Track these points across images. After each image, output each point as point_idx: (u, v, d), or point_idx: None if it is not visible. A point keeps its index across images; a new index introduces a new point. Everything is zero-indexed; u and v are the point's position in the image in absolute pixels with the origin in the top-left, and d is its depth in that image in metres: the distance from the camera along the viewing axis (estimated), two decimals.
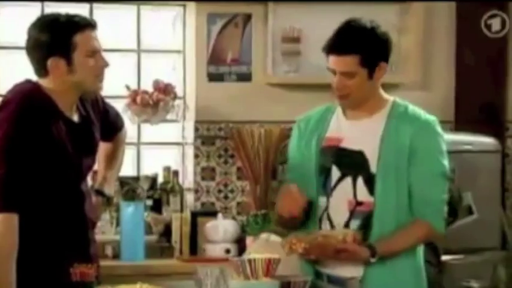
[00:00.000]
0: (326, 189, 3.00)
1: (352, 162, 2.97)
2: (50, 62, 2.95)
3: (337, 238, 2.85)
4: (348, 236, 2.86)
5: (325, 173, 3.01)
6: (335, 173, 2.99)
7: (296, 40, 4.80)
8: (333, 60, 2.96)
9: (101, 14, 4.73)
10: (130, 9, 4.84)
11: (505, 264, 4.62)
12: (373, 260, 2.88)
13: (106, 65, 3.05)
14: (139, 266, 4.16)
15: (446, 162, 2.98)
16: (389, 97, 3.04)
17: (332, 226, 2.99)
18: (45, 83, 3.01)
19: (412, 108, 3.02)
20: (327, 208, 3.00)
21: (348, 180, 2.97)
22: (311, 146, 3.05)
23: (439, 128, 3.00)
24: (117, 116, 3.41)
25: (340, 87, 2.95)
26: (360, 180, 2.95)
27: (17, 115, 2.90)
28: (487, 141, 4.68)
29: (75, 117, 3.08)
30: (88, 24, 3.00)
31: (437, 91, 5.03)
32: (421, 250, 3.03)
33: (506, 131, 5.07)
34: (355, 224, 2.95)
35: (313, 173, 3.03)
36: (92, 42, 2.99)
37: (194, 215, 4.48)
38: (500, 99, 5.07)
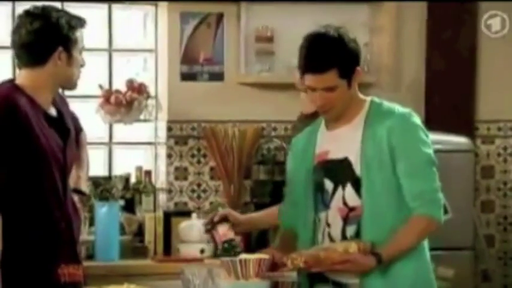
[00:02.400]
0: (325, 204, 3.00)
1: (339, 171, 2.97)
2: (58, 53, 3.03)
3: (339, 251, 2.83)
4: (350, 248, 2.83)
5: (321, 189, 3.01)
6: (329, 186, 2.99)
7: (269, 40, 4.80)
8: (311, 79, 2.93)
9: (73, 13, 4.68)
10: (102, 8, 4.81)
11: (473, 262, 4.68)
12: (379, 266, 2.85)
13: (84, 63, 3.18)
14: (114, 267, 4.14)
15: (429, 150, 2.94)
16: (365, 98, 3.04)
17: (331, 239, 2.98)
18: (28, 77, 3.03)
19: (387, 105, 3.01)
20: (327, 221, 2.99)
21: (339, 189, 2.97)
22: (303, 167, 3.06)
23: (415, 119, 2.97)
24: (77, 119, 3.40)
25: (323, 102, 2.94)
26: (349, 186, 2.96)
27: None
28: (459, 140, 4.72)
29: (53, 112, 3.10)
30: (84, 23, 3.15)
31: (408, 91, 5.06)
32: (424, 248, 2.99)
33: (475, 130, 5.13)
34: (351, 230, 2.93)
35: (310, 192, 3.03)
36: (83, 40, 3.14)
37: (167, 215, 4.47)
38: (470, 99, 5.12)
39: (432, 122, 4.90)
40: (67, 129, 3.13)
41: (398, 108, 3.00)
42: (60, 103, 3.19)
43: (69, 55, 3.05)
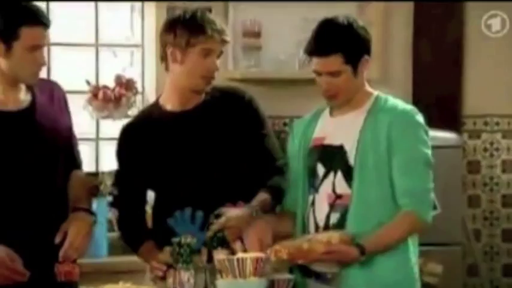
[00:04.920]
0: (315, 187, 3.01)
1: (333, 157, 2.97)
2: None
3: (322, 241, 2.84)
4: (333, 238, 2.84)
5: (312, 172, 3.02)
6: (320, 170, 3.00)
7: (257, 35, 4.79)
8: (316, 63, 2.96)
9: (58, 8, 4.67)
10: (88, 3, 4.78)
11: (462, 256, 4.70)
12: (363, 258, 2.86)
13: (44, 63, 3.00)
14: (103, 264, 4.12)
15: (427, 150, 2.96)
16: (373, 91, 3.05)
17: (316, 223, 2.98)
18: None
19: (392, 100, 3.03)
20: (312, 205, 3.00)
21: (331, 175, 2.98)
22: (298, 149, 3.07)
23: (418, 117, 2.99)
24: (78, 153, 3.24)
25: (328, 87, 2.95)
26: (340, 174, 2.96)
27: None
28: (448, 136, 4.73)
29: (13, 106, 3.00)
30: (39, 22, 2.95)
31: (395, 86, 5.05)
32: (407, 243, 2.98)
33: (462, 125, 5.14)
34: (335, 217, 2.94)
35: (301, 175, 3.04)
36: (35, 39, 2.94)
37: None
38: (456, 94, 5.13)
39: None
40: (34, 122, 3.01)
41: (402, 104, 3.01)
42: (41, 92, 3.07)
43: (7, 47, 2.92)
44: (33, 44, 2.93)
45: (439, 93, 5.07)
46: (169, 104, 3.17)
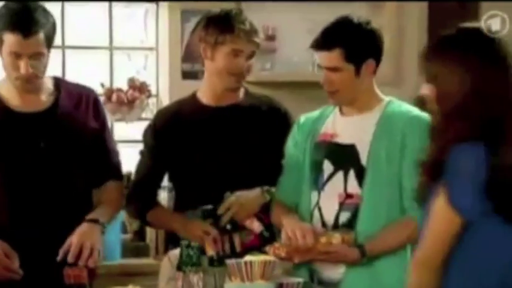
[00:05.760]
0: (318, 184, 2.99)
1: (344, 156, 2.96)
2: None
3: (321, 241, 2.83)
4: (333, 238, 2.83)
5: (317, 168, 3.00)
6: (327, 167, 2.98)
7: (271, 38, 4.79)
8: (318, 56, 2.98)
9: (73, 11, 4.69)
10: (102, 6, 4.80)
11: None
12: (364, 259, 2.86)
13: (23, 73, 2.94)
14: (116, 266, 4.13)
15: None
16: (385, 97, 3.04)
17: (323, 221, 2.97)
18: None
19: (407, 105, 3.02)
20: (317, 203, 2.98)
21: (340, 174, 2.96)
22: (305, 142, 3.05)
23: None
24: (114, 162, 3.22)
25: (326, 82, 2.96)
26: (352, 173, 2.94)
27: None
28: None
29: (33, 108, 3.01)
30: (17, 30, 2.90)
31: (408, 88, 5.04)
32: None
33: None
34: (344, 216, 2.93)
35: (307, 168, 3.02)
36: (12, 46, 2.91)
37: None
38: None
39: None
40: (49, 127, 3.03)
41: (417, 111, 2.99)
42: (68, 96, 3.08)
43: (0, 51, 2.93)
44: (11, 50, 2.91)
45: None
46: (205, 98, 3.25)
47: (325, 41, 2.94)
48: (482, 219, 2.17)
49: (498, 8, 4.99)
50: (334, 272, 2.93)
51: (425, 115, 2.98)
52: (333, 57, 2.92)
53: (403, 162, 2.90)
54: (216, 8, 4.67)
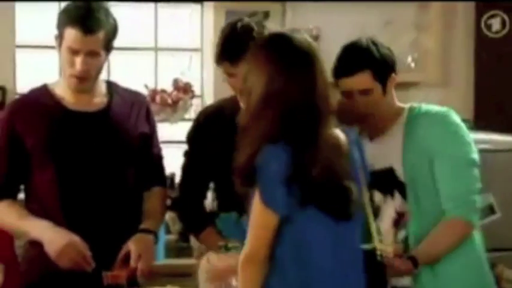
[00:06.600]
0: (375, 215, 2.95)
1: (386, 181, 2.95)
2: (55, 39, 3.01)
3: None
4: (386, 252, 2.81)
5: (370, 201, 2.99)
6: (377, 197, 2.97)
7: (314, 38, 4.76)
8: (346, 83, 2.93)
9: (119, 12, 4.70)
10: (148, 7, 4.82)
11: None
12: (416, 270, 2.83)
13: (78, 69, 2.97)
14: (159, 266, 4.13)
15: (469, 149, 2.91)
16: (403, 105, 3.02)
17: None
18: None
19: (425, 107, 3.00)
20: (378, 231, 2.95)
21: (389, 198, 2.96)
22: None
23: (453, 117, 2.95)
24: (160, 167, 3.24)
25: (361, 106, 2.92)
26: (397, 194, 2.94)
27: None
28: (509, 140, 4.65)
29: (87, 108, 3.04)
30: (79, 25, 2.93)
31: (456, 89, 5.00)
32: (473, 248, 2.95)
33: None
34: (401, 235, 2.94)
35: None
36: (72, 41, 2.94)
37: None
38: None
39: (481, 121, 4.85)
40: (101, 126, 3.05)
41: (436, 109, 2.97)
42: (121, 100, 3.11)
43: (59, 48, 2.97)
44: (69, 46, 2.94)
45: (501, 96, 4.98)
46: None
47: (350, 66, 2.92)
48: (296, 212, 2.35)
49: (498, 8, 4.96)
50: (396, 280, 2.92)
51: (443, 110, 2.95)
52: (363, 79, 2.90)
53: (435, 164, 2.88)
54: (260, 8, 4.73)
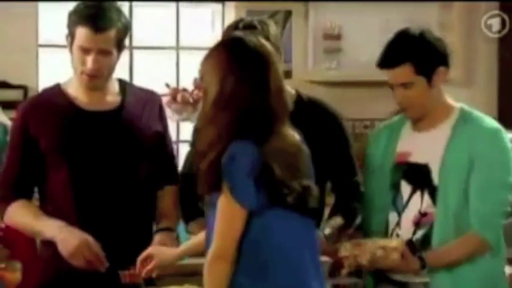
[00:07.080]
0: (396, 205, 2.95)
1: (419, 176, 2.92)
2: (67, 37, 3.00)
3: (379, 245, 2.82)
4: (396, 249, 2.81)
5: (395, 188, 2.96)
6: (405, 188, 2.94)
7: (337, 37, 4.77)
8: (387, 75, 2.90)
9: (141, 11, 4.72)
10: (170, 7, 4.83)
11: None
12: (422, 272, 2.83)
13: (89, 68, 2.95)
14: (180, 266, 4.12)
15: (507, 172, 2.86)
16: (455, 104, 2.96)
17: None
18: None
19: (477, 115, 2.93)
20: (398, 223, 2.95)
21: (417, 194, 2.92)
22: (385, 164, 3.00)
23: (503, 138, 2.88)
24: (173, 167, 3.18)
25: (400, 99, 2.89)
26: (426, 193, 2.90)
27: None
28: None
29: (100, 107, 3.03)
30: (90, 23, 2.91)
31: (480, 87, 4.97)
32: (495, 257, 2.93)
33: None
34: (419, 233, 2.90)
35: (387, 193, 2.98)
36: (84, 40, 2.92)
37: None
38: None
39: (505, 119, 4.80)
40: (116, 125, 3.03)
41: (488, 121, 2.91)
42: (134, 99, 3.08)
43: (71, 47, 2.96)
44: (80, 44, 2.93)
45: None
46: None
47: (392, 58, 2.87)
48: (263, 209, 2.36)
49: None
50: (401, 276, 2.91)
51: (495, 124, 2.91)
52: (402, 73, 2.85)
53: (471, 177, 2.85)
54: (281, 7, 4.73)
